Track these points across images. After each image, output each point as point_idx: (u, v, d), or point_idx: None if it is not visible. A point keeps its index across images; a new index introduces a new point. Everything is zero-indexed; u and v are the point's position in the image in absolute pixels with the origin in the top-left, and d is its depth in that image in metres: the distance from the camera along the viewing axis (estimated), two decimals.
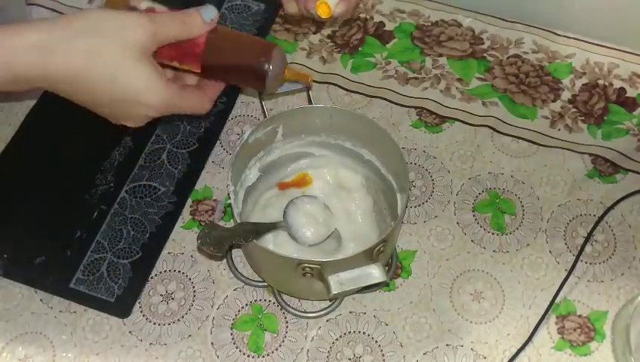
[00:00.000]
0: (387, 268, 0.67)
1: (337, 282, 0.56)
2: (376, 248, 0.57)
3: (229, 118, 0.77)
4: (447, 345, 0.65)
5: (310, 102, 0.67)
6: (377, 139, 0.65)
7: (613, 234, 0.70)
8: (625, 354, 0.62)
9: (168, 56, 0.56)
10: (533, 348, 0.64)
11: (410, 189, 0.70)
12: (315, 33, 0.83)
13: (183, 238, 0.70)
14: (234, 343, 0.65)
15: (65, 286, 0.66)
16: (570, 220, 0.71)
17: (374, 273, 0.57)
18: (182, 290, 0.67)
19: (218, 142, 0.76)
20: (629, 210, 0.71)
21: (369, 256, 0.57)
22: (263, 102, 0.69)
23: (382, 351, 0.64)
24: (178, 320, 0.66)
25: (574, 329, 0.65)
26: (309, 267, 0.57)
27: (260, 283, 0.67)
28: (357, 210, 0.68)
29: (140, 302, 0.66)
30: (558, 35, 0.83)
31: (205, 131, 0.76)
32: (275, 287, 0.66)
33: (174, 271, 0.68)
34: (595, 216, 0.71)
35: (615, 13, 0.82)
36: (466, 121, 0.77)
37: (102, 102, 0.54)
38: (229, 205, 0.66)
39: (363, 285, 0.57)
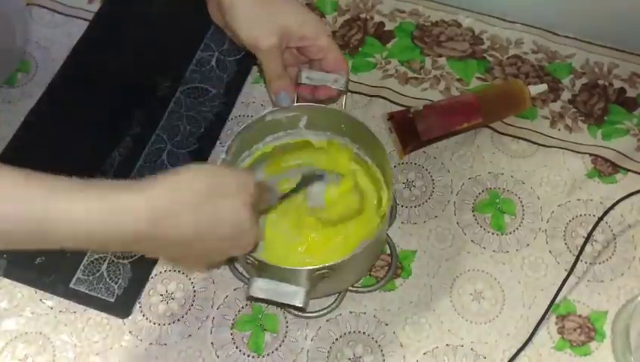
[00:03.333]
0: (387, 268, 0.67)
1: (257, 287, 0.57)
2: (318, 271, 0.57)
3: (229, 118, 0.77)
4: (447, 345, 0.65)
5: (343, 106, 0.68)
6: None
7: (613, 234, 0.70)
8: (625, 354, 0.62)
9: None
10: (533, 348, 0.64)
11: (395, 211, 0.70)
12: None
13: None
14: (234, 343, 0.65)
15: (65, 286, 0.67)
16: (570, 220, 0.71)
17: (295, 294, 0.57)
18: (182, 290, 0.67)
19: (218, 141, 0.76)
20: (629, 210, 0.71)
21: (307, 276, 0.57)
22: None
23: (382, 351, 0.64)
24: (178, 320, 0.66)
25: (574, 329, 0.65)
26: (250, 258, 0.58)
27: None
28: None
29: (139, 302, 0.66)
30: (558, 35, 0.83)
31: (205, 131, 0.76)
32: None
33: (174, 271, 0.68)
34: (594, 216, 0.71)
35: (615, 14, 0.82)
36: None
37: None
38: None
39: (277, 301, 0.57)
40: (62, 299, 0.66)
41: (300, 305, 0.57)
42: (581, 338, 0.65)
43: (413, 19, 0.84)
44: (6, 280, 0.67)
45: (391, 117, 0.73)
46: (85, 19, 0.84)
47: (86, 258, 0.68)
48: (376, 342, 0.65)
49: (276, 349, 0.65)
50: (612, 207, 0.70)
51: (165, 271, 0.68)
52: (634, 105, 0.78)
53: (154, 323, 0.66)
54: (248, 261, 0.58)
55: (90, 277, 0.67)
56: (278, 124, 0.68)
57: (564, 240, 0.70)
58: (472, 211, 0.72)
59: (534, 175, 0.74)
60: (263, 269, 0.58)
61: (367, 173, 0.70)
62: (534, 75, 0.80)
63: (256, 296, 0.57)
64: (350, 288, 0.66)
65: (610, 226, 0.71)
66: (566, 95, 0.79)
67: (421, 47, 0.82)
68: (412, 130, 0.72)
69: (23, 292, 0.67)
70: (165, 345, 0.65)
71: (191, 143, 0.75)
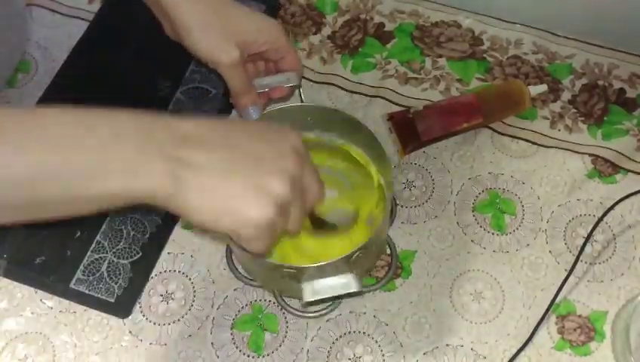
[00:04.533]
0: (387, 268, 0.67)
1: (311, 291, 0.58)
2: (354, 255, 0.57)
3: (229, 119, 0.77)
4: (447, 345, 0.65)
5: (301, 100, 0.68)
6: (366, 138, 0.65)
7: (613, 234, 0.70)
8: (625, 354, 0.62)
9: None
10: (533, 348, 0.64)
11: (393, 193, 0.69)
12: (315, 34, 0.83)
13: (182, 238, 0.70)
14: (234, 343, 0.65)
15: (65, 286, 0.66)
16: (570, 220, 0.71)
17: (349, 283, 0.58)
18: (182, 290, 0.67)
19: None
20: (629, 210, 0.71)
21: (346, 262, 0.57)
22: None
23: (382, 351, 0.64)
24: (178, 320, 0.66)
25: (574, 329, 0.65)
26: (287, 271, 0.57)
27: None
28: None
29: (139, 302, 0.66)
30: (558, 35, 0.83)
31: None
32: (268, 288, 0.67)
33: (174, 271, 0.68)
34: (594, 216, 0.71)
35: (615, 15, 0.82)
36: None
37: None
38: None
39: (336, 294, 0.58)
40: (62, 299, 0.66)
41: (358, 290, 0.57)
42: (581, 338, 0.65)
43: (413, 20, 0.84)
44: (6, 280, 0.67)
45: (391, 117, 0.73)
46: (85, 20, 0.84)
47: (86, 258, 0.68)
48: (376, 342, 0.65)
49: (276, 349, 0.65)
50: (612, 207, 0.70)
51: (165, 271, 0.68)
52: (634, 105, 0.78)
53: (154, 323, 0.66)
54: (284, 274, 0.58)
55: (90, 277, 0.67)
56: None
57: (564, 240, 0.70)
58: (472, 211, 0.72)
59: (534, 175, 0.74)
60: (303, 274, 0.58)
61: (339, 155, 0.69)
62: (534, 76, 0.80)
63: (314, 298, 0.57)
64: None
65: (610, 226, 0.71)
66: (566, 95, 0.79)
67: (421, 48, 0.82)
68: (412, 130, 0.72)
69: (23, 292, 0.67)
70: (165, 345, 0.65)
71: None
